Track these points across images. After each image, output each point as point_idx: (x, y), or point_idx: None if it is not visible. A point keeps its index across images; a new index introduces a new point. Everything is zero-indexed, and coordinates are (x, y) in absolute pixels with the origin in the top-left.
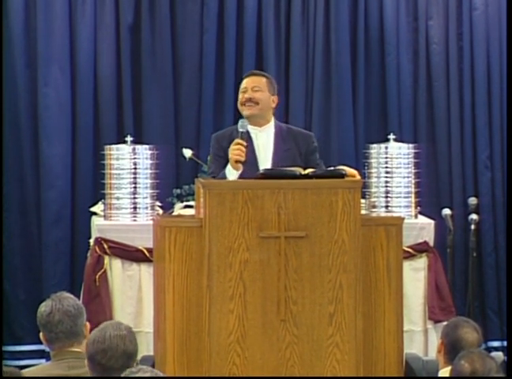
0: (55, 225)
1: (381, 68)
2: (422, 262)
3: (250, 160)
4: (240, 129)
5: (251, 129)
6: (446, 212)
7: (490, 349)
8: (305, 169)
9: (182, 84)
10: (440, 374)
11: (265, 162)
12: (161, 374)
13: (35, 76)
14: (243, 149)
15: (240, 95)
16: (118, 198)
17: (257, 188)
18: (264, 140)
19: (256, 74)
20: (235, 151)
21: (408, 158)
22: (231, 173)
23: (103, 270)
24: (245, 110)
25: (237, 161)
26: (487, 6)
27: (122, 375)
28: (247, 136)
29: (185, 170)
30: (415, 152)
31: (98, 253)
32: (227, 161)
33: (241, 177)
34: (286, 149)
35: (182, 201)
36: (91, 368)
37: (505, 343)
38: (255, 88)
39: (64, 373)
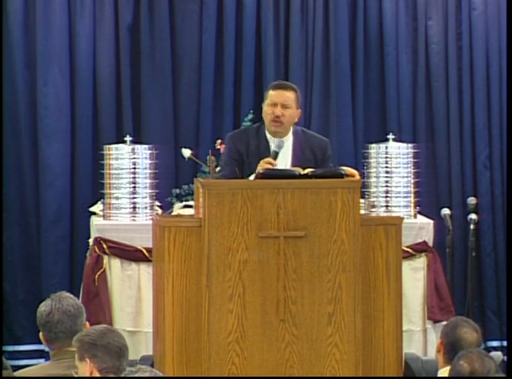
0: (54, 225)
1: (380, 68)
2: (421, 262)
3: None
4: (275, 149)
5: (270, 139)
6: (445, 211)
7: (489, 349)
8: (304, 169)
9: (181, 83)
10: (439, 374)
11: None
12: (160, 374)
13: (34, 76)
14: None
15: (268, 108)
16: (117, 198)
17: (256, 188)
18: (283, 150)
19: (287, 88)
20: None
21: (407, 158)
22: None
23: (102, 270)
24: (271, 127)
25: None
26: (486, 6)
27: (122, 375)
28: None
29: (184, 169)
30: (414, 152)
31: (97, 253)
32: (240, 165)
33: None
34: (304, 160)
35: (181, 201)
36: (95, 356)
37: (504, 343)
38: (285, 106)
39: (63, 372)
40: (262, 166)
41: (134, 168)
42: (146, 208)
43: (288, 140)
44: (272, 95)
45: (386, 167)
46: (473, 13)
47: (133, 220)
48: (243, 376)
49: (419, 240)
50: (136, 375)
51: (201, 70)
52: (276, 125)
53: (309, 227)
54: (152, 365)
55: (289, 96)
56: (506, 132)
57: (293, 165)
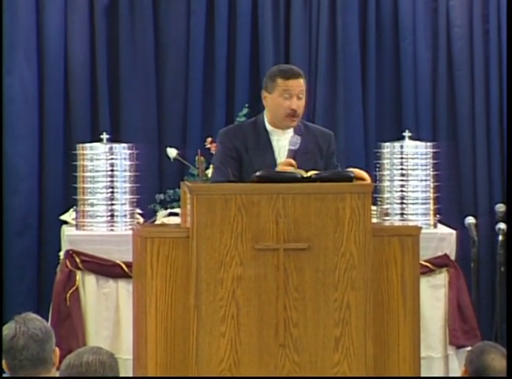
0: (19, 235)
1: (395, 55)
2: (442, 278)
3: (270, 165)
4: (291, 147)
5: (273, 132)
6: (470, 220)
7: None
8: (307, 171)
9: (166, 74)
10: None
11: None
12: None
13: None
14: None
15: (282, 101)
16: (92, 205)
17: (252, 193)
18: (285, 142)
19: (299, 76)
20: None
21: (425, 158)
22: None
23: (74, 287)
24: (286, 122)
25: None
26: None
27: None
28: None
29: (169, 172)
30: (434, 152)
31: (69, 268)
32: (238, 163)
33: None
34: (306, 152)
35: (165, 208)
36: None
37: None
38: (300, 96)
39: None
40: (283, 169)
41: (112, 170)
42: (126, 216)
43: (290, 131)
44: (285, 84)
45: (402, 169)
46: None
47: (111, 230)
48: None
49: (440, 253)
50: None
51: (189, 58)
52: (293, 120)
53: (313, 238)
54: None
55: (303, 85)
56: (506, 137)
57: (295, 158)
